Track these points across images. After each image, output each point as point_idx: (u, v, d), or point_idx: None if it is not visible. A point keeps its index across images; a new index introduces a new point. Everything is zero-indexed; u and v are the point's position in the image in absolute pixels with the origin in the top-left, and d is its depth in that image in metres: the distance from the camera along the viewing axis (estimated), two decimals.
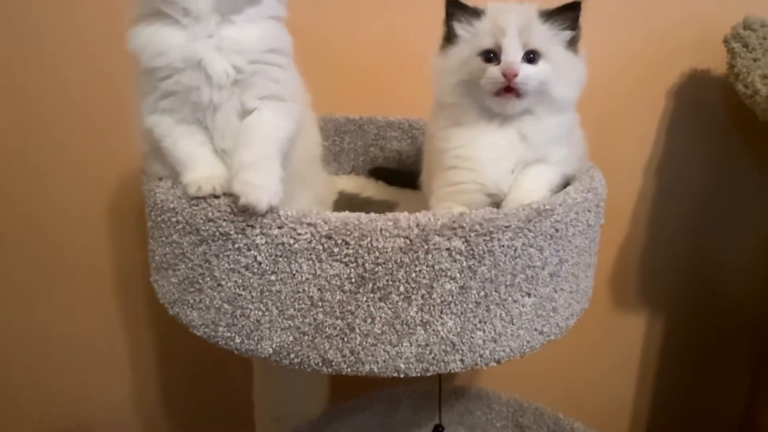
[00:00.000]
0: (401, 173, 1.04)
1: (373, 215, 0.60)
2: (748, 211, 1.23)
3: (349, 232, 0.58)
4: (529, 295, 0.65)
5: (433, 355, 0.62)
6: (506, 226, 0.61)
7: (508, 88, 0.68)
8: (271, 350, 0.63)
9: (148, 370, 1.27)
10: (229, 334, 0.65)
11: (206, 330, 0.66)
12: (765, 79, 0.91)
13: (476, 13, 0.71)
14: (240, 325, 0.64)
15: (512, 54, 0.68)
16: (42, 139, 1.10)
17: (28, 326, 1.21)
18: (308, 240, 0.59)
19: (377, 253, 0.59)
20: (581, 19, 0.72)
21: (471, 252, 0.60)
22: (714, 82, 1.14)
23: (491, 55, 0.69)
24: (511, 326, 0.65)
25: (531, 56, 0.69)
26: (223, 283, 0.63)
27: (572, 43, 0.73)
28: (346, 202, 0.95)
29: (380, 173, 1.07)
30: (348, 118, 1.07)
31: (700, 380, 1.34)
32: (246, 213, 0.60)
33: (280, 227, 0.60)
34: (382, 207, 0.96)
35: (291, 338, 0.62)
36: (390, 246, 0.59)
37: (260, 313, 0.62)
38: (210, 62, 0.64)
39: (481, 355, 0.64)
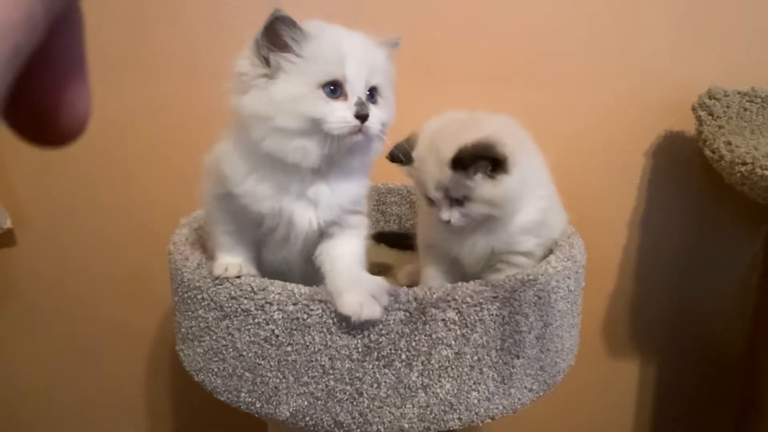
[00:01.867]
0: (401, 236, 1.12)
1: None
2: (725, 260, 1.31)
3: None
4: (518, 357, 0.73)
5: (433, 415, 0.70)
6: (494, 297, 0.69)
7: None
8: (288, 414, 0.70)
9: (164, 424, 1.33)
10: (250, 400, 0.72)
11: (229, 396, 0.74)
12: (729, 145, 1.00)
13: None
14: (260, 392, 0.71)
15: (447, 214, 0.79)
16: (71, 212, 1.19)
17: (52, 380, 1.28)
18: (320, 315, 0.67)
19: (381, 326, 0.67)
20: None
21: (464, 321, 0.68)
22: (687, 142, 1.23)
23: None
24: (503, 386, 0.72)
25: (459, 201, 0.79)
26: (244, 353, 0.71)
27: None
28: None
29: (382, 237, 1.15)
30: None
31: (693, 419, 1.39)
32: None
33: (294, 304, 0.68)
34: (386, 269, 1.04)
35: (306, 403, 0.69)
36: (392, 318, 0.67)
37: (278, 380, 0.70)
38: (299, 217, 0.68)
39: (476, 414, 0.71)
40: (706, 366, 1.36)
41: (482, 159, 0.73)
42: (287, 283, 0.70)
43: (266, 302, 0.68)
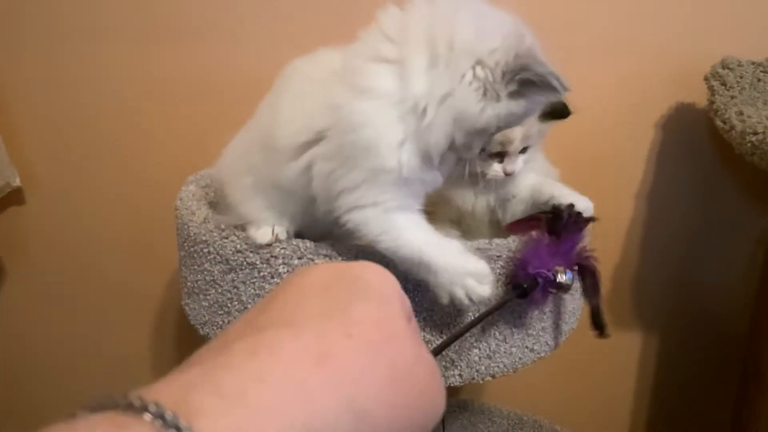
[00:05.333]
0: None
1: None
2: (732, 234, 1.30)
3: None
4: (519, 316, 0.73)
5: None
6: (498, 256, 0.70)
7: None
8: None
9: None
10: None
11: None
12: (740, 115, 0.99)
13: None
14: None
15: (515, 162, 0.81)
16: (80, 171, 1.20)
17: (59, 340, 1.31)
18: None
19: None
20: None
21: None
22: (698, 114, 1.22)
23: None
24: (504, 345, 0.73)
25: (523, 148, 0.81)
26: (249, 306, 0.72)
27: None
28: None
29: None
30: None
31: (694, 391, 1.40)
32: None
33: (299, 258, 0.68)
34: None
35: None
36: (394, 274, 0.67)
37: None
38: None
39: (477, 371, 0.72)
40: (708, 339, 1.36)
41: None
42: (293, 238, 0.70)
43: (271, 256, 0.69)
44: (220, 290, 0.74)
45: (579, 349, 1.31)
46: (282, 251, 0.69)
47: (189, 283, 0.80)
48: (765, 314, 1.13)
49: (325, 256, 0.68)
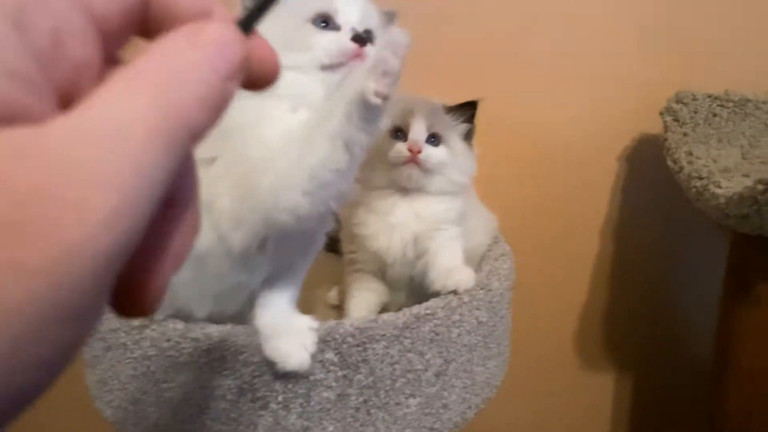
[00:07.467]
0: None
1: (251, 329, 0.64)
2: (702, 269, 1.22)
3: (226, 348, 0.63)
4: (413, 396, 0.68)
5: None
6: (381, 335, 0.65)
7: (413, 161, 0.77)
8: None
9: None
10: None
11: (119, 427, 0.72)
12: (689, 156, 0.92)
13: None
14: (143, 426, 0.69)
15: (418, 133, 0.76)
16: None
17: None
18: (191, 353, 0.64)
19: (254, 367, 0.63)
20: (476, 117, 0.82)
21: (344, 362, 0.64)
22: (661, 146, 1.14)
23: (398, 133, 0.77)
24: (396, 426, 0.68)
25: (433, 139, 0.78)
26: (127, 386, 0.69)
27: (468, 137, 0.82)
28: None
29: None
30: None
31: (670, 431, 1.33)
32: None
33: (168, 341, 0.65)
34: None
35: None
36: (265, 360, 0.63)
37: (157, 416, 0.67)
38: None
39: None
40: (682, 374, 1.28)
41: (471, 109, 0.80)
42: (166, 319, 0.67)
43: (141, 338, 0.66)
44: (102, 367, 0.71)
45: (552, 393, 1.25)
46: (151, 333, 0.65)
47: (85, 354, 0.78)
48: (723, 357, 1.05)
49: (193, 339, 0.64)
